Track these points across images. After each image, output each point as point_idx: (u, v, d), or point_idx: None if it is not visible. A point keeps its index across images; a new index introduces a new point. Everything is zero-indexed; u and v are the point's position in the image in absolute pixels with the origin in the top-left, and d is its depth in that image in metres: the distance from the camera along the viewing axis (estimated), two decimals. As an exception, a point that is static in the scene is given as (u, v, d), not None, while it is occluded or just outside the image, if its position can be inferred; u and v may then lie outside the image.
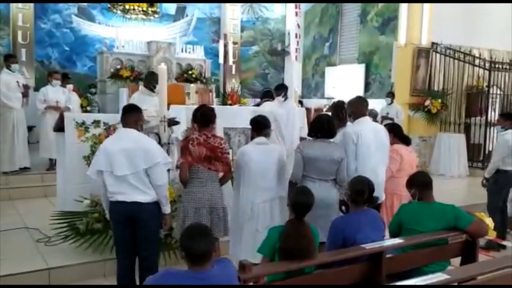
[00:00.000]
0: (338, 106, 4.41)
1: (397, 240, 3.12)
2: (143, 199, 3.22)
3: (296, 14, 13.40)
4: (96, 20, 11.33)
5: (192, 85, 8.95)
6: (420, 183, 3.30)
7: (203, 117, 3.64)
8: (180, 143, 3.77)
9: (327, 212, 3.62)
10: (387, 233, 3.37)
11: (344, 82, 11.90)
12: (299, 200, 2.83)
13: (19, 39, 9.95)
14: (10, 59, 6.83)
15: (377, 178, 3.79)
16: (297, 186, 3.04)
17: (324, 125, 3.78)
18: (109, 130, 4.66)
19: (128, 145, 3.20)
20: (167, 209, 3.36)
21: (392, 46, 10.32)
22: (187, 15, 12.55)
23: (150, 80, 5.62)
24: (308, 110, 8.59)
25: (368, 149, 3.87)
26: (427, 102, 9.57)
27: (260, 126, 3.86)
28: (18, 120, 6.72)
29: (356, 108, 4.04)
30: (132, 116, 3.35)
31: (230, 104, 10.15)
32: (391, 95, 9.32)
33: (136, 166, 3.18)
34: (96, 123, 4.65)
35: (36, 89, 9.47)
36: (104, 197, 3.35)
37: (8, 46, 10.08)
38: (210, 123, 3.66)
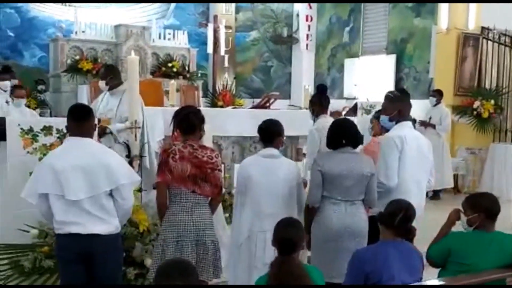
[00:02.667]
0: (322, 90, 4.95)
1: (439, 282, 3.11)
2: (103, 231, 3.20)
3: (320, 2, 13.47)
4: (49, -2, 11.38)
5: (172, 81, 9.00)
6: (487, 210, 3.30)
7: (187, 121, 3.64)
8: (158, 156, 3.78)
9: (357, 243, 3.65)
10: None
11: (368, 78, 11.92)
12: (279, 234, 2.91)
13: (-51, 22, 10.01)
14: None
15: (417, 198, 3.87)
16: (281, 219, 3.08)
17: (346, 132, 3.80)
18: (64, 138, 4.65)
19: (84, 160, 3.19)
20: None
21: (431, 31, 10.35)
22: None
23: (107, 76, 5.60)
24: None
25: (412, 158, 3.96)
26: (476, 104, 9.59)
27: (269, 135, 3.87)
28: None
29: (404, 108, 4.09)
30: (88, 120, 3.35)
31: (221, 106, 10.23)
32: (437, 93, 9.24)
33: (96, 188, 3.17)
34: (47, 130, 4.63)
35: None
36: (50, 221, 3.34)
37: None
38: (197, 130, 3.65)
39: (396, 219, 3.08)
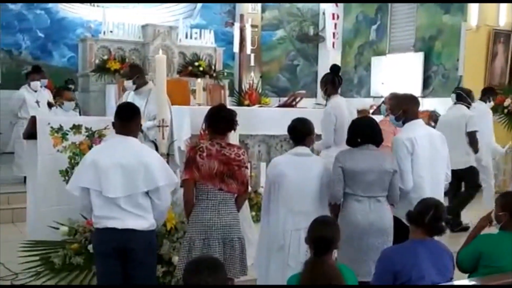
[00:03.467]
0: (337, 69, 5.49)
1: (470, 282, 3.08)
2: (139, 226, 3.24)
3: (344, 2, 13.40)
4: (78, -2, 11.54)
5: (199, 80, 9.03)
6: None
7: (222, 122, 3.66)
8: (186, 153, 3.81)
9: (383, 240, 3.64)
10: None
11: (396, 76, 11.80)
12: (315, 233, 2.88)
13: (-19, 23, 10.20)
14: None
15: (436, 194, 3.81)
16: (316, 218, 3.07)
17: (366, 129, 3.81)
18: (93, 137, 4.73)
19: (125, 159, 3.23)
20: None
21: (460, 28, 10.22)
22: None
23: (134, 75, 5.65)
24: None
25: (424, 159, 3.94)
26: (508, 102, 9.45)
27: (301, 134, 3.86)
28: None
29: (408, 107, 4.08)
30: (134, 120, 3.41)
31: (248, 105, 10.22)
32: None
33: (134, 187, 3.21)
34: (77, 128, 4.72)
35: (3, 86, 9.72)
36: (88, 215, 3.39)
37: (-34, 32, 10.34)
38: (229, 130, 3.69)
39: (426, 217, 3.06)
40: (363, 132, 3.80)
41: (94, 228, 3.32)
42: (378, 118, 5.01)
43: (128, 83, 5.61)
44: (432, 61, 11.33)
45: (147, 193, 3.25)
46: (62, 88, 7.34)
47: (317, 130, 4.12)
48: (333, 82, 5.45)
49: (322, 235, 2.85)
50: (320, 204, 3.80)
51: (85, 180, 3.25)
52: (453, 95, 9.03)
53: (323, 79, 5.55)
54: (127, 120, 3.38)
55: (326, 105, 5.48)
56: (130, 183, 3.20)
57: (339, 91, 5.53)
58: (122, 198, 3.20)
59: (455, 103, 9.03)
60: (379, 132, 3.84)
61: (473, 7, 9.75)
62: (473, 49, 9.71)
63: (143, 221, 3.24)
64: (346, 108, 5.36)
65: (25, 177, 7.04)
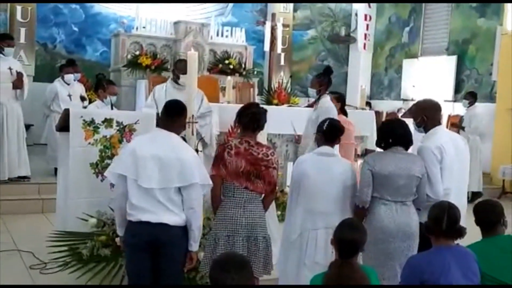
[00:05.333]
0: (331, 71, 5.90)
1: None
2: (172, 221, 3.26)
3: (371, 2, 13.30)
4: (112, -6, 11.68)
5: (228, 78, 9.07)
6: (483, 222, 3.26)
7: (253, 121, 3.69)
8: (217, 148, 3.84)
9: (408, 244, 3.61)
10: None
11: (428, 79, 11.68)
12: (343, 235, 2.85)
13: (18, 16, 10.34)
14: (6, 40, 6.94)
15: (461, 202, 3.82)
16: (344, 219, 3.06)
17: (397, 131, 3.77)
18: (124, 132, 4.78)
19: (164, 152, 3.26)
20: (195, 246, 3.37)
21: (495, 32, 10.05)
22: (237, 2, 12.72)
23: (175, 70, 5.72)
24: (378, 114, 8.50)
25: (452, 166, 3.90)
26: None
27: (334, 134, 3.84)
28: (9, 116, 6.83)
29: (430, 113, 4.01)
30: (179, 118, 3.46)
31: (276, 104, 10.21)
32: (470, 96, 9.40)
33: (168, 182, 3.24)
34: (108, 122, 4.77)
35: (37, 79, 9.91)
36: (119, 211, 3.40)
37: (5, 25, 10.54)
38: (258, 129, 3.71)
39: (442, 223, 3.02)
40: (395, 133, 3.76)
41: (128, 221, 3.34)
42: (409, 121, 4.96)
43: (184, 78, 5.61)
44: (465, 65, 11.18)
45: (179, 190, 3.27)
46: (107, 82, 7.17)
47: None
48: (329, 84, 5.87)
49: (353, 238, 2.83)
50: (340, 205, 3.77)
51: (123, 167, 3.29)
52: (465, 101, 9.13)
53: (319, 79, 5.88)
54: (173, 116, 3.43)
55: (316, 103, 5.80)
56: (165, 177, 3.23)
57: None
58: (157, 191, 3.23)
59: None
60: (410, 134, 3.81)
61: (509, 11, 9.58)
62: (508, 54, 9.54)
63: (176, 217, 3.26)
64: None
65: (55, 169, 7.20)
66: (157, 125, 3.65)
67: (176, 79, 5.79)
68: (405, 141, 3.77)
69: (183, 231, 3.31)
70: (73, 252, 4.39)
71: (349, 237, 2.83)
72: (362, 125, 7.46)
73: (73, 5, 11.34)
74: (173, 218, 3.26)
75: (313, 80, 6.05)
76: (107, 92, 6.60)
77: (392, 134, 3.76)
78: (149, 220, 3.23)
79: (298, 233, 3.73)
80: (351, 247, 2.82)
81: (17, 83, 6.88)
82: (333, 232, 2.92)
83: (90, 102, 8.10)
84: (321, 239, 3.69)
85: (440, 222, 3.03)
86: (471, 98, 9.31)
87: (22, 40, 10.14)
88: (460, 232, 3.09)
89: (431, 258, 3.04)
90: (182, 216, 3.29)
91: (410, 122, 4.11)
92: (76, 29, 11.40)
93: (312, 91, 5.90)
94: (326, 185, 3.73)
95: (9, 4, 10.42)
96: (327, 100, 5.68)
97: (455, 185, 3.94)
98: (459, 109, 10.21)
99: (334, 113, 5.41)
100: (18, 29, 10.27)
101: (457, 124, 9.27)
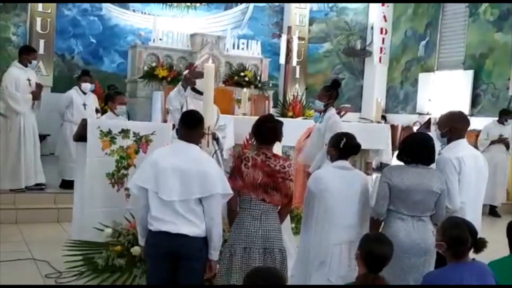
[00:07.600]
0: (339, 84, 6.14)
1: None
2: (192, 232, 3.25)
3: (383, 3, 13.34)
4: (130, 7, 11.81)
5: (244, 90, 9.10)
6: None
7: (271, 133, 3.69)
8: (233, 161, 3.84)
9: (424, 259, 3.56)
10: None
11: (443, 93, 11.62)
12: (373, 250, 2.85)
13: (38, 27, 10.54)
14: (31, 54, 7.00)
15: (476, 216, 3.85)
16: (370, 233, 3.03)
17: (420, 146, 3.71)
18: (140, 142, 4.82)
19: (185, 164, 3.27)
20: (215, 254, 3.38)
21: (512, 47, 9.99)
22: (241, 3, 12.84)
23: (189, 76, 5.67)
24: (393, 127, 8.48)
25: (470, 179, 3.88)
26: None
27: (351, 149, 3.82)
28: (26, 127, 6.90)
29: (458, 125, 3.99)
30: (197, 129, 3.47)
31: (291, 117, 10.23)
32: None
33: (189, 193, 3.24)
34: (125, 133, 4.81)
35: (54, 89, 10.02)
36: (141, 221, 3.41)
37: (24, 36, 10.71)
38: (274, 141, 3.71)
39: (468, 244, 2.97)
40: (419, 148, 3.70)
41: (149, 230, 3.35)
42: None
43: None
44: (481, 80, 11.11)
45: (200, 200, 3.27)
46: (116, 92, 7.18)
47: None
48: (337, 97, 5.99)
49: (383, 252, 2.84)
50: (362, 218, 3.75)
51: (144, 180, 3.30)
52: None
53: (328, 92, 5.92)
54: (190, 128, 3.44)
55: (322, 115, 5.83)
56: (186, 189, 3.23)
57: None
58: (177, 203, 3.24)
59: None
60: (434, 151, 3.76)
61: (527, 26, 9.52)
62: (526, 69, 9.46)
63: (195, 228, 3.26)
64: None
65: (62, 180, 7.27)
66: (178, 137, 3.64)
67: (192, 87, 5.64)
68: (428, 159, 3.73)
69: (203, 242, 3.31)
70: (88, 262, 4.41)
71: (379, 252, 2.85)
72: (376, 139, 7.45)
73: (91, 17, 11.49)
74: (193, 229, 3.25)
75: (320, 93, 6.02)
76: (117, 103, 6.63)
77: (416, 151, 3.69)
78: (168, 230, 3.23)
79: (324, 251, 3.69)
80: (381, 261, 2.84)
81: (36, 94, 6.96)
82: (357, 246, 2.90)
83: (102, 113, 8.16)
84: (344, 253, 3.66)
85: (466, 242, 2.98)
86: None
87: (41, 51, 10.25)
88: (482, 246, 3.04)
89: (447, 276, 2.99)
90: (202, 227, 3.28)
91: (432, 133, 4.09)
92: (94, 40, 11.53)
93: (319, 103, 5.90)
94: (348, 199, 3.70)
95: (29, 16, 10.60)
96: (332, 113, 5.74)
97: (471, 200, 3.91)
98: (476, 123, 10.13)
99: (340, 126, 5.41)
100: (37, 40, 10.45)
101: (506, 142, 8.95)
